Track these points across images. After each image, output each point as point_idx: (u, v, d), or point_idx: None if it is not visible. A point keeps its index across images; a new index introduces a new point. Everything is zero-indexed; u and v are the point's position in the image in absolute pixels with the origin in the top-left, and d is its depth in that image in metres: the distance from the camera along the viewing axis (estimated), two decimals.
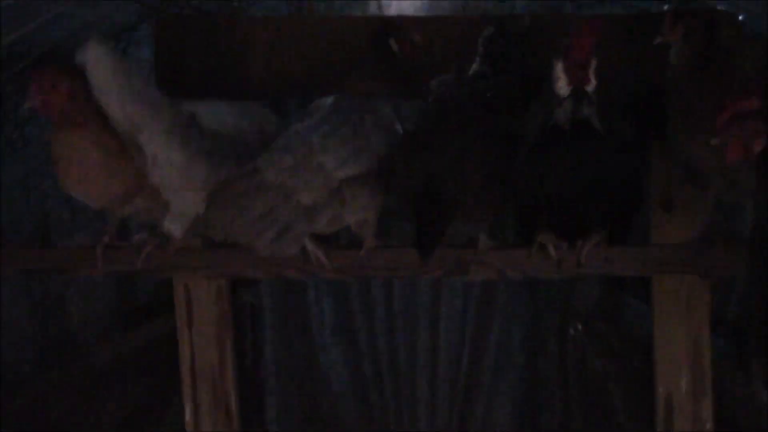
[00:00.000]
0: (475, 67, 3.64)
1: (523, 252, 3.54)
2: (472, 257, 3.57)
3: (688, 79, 3.18)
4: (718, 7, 3.99)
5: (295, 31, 4.19)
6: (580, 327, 5.34)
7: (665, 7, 4.29)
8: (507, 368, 5.50)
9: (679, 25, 3.12)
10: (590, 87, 3.09)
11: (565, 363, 5.50)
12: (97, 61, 3.19)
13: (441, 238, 3.27)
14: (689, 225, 3.82)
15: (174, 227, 3.51)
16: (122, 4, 4.06)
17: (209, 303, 4.28)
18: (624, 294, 5.18)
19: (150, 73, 3.60)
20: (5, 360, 4.24)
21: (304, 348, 5.40)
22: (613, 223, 3.45)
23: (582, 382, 5.43)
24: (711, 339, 4.06)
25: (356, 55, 3.79)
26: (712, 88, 3.10)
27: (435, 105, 3.50)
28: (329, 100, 3.48)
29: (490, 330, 5.30)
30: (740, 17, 4.00)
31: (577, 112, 3.08)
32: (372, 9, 4.65)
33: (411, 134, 3.39)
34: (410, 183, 3.24)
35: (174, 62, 4.18)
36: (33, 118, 4.22)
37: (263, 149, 3.26)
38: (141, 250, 3.69)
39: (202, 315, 4.27)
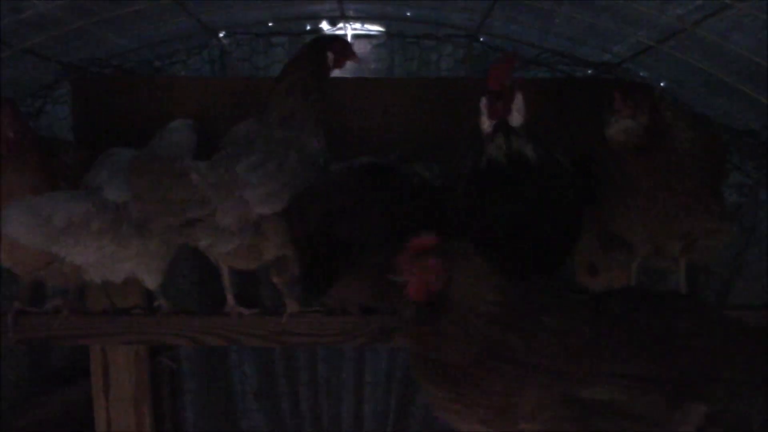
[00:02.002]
0: None
1: None
2: (395, 324, 3.51)
3: (630, 155, 3.15)
4: (642, 74, 4.06)
5: (219, 91, 4.19)
6: None
7: (589, 72, 4.37)
8: None
9: (629, 101, 3.09)
10: (516, 122, 3.11)
11: None
12: (14, 221, 3.13)
13: (332, 279, 3.15)
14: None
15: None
16: (41, 62, 3.96)
17: (127, 367, 4.20)
18: None
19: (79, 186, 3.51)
20: None
21: (226, 413, 5.25)
22: (547, 260, 3.39)
23: None
24: None
25: None
26: (656, 165, 3.13)
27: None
28: (249, 126, 3.45)
29: (416, 394, 5.23)
30: (661, 84, 4.09)
31: (510, 147, 3.10)
32: None
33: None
34: (306, 221, 3.19)
35: (93, 121, 4.14)
36: None
37: None
38: (56, 315, 3.59)
39: (119, 379, 4.19)
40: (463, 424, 2.71)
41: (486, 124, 3.12)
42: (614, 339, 2.60)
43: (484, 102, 3.12)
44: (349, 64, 3.73)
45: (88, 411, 4.25)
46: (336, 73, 3.70)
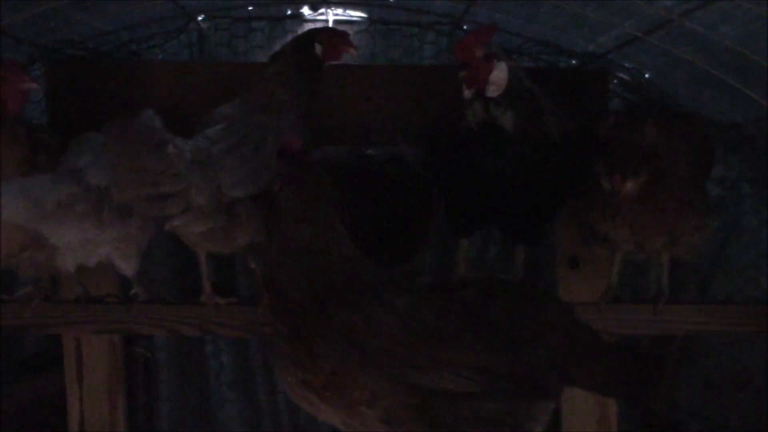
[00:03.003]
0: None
1: None
2: None
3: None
4: (627, 65, 4.01)
5: (196, 75, 4.12)
6: None
7: (573, 62, 4.32)
8: None
9: (630, 177, 3.06)
10: (491, 93, 3.16)
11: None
12: (8, 204, 3.12)
13: None
14: (595, 282, 3.79)
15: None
16: (13, 43, 3.87)
17: (100, 356, 4.12)
18: None
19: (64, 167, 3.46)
20: None
21: (201, 404, 5.20)
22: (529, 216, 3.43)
23: None
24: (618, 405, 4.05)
25: None
26: (647, 184, 3.11)
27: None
28: (229, 109, 3.40)
29: None
30: (646, 75, 4.05)
31: (486, 114, 3.16)
32: None
33: None
34: None
35: (68, 104, 4.06)
36: None
37: None
38: (28, 303, 3.54)
39: (93, 369, 4.10)
40: (295, 388, 2.65)
41: (466, 92, 3.19)
42: (463, 328, 2.56)
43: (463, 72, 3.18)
44: None
45: (61, 400, 4.17)
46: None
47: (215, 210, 3.14)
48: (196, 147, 3.10)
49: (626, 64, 4.07)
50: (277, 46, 4.15)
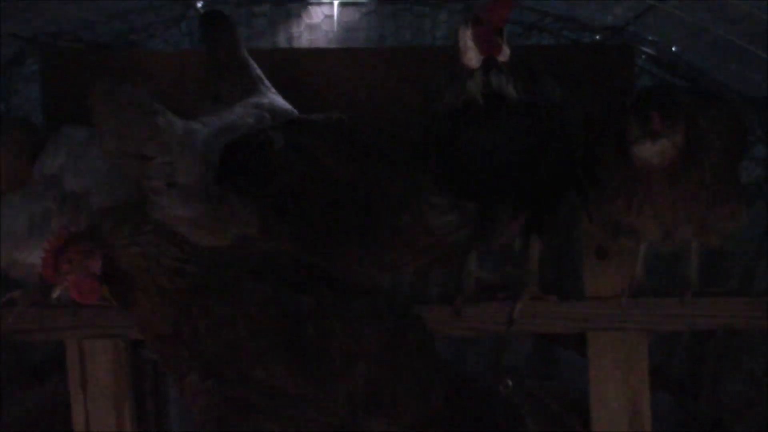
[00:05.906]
0: None
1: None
2: None
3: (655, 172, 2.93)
4: (650, 38, 3.78)
5: (196, 64, 3.92)
6: (510, 384, 5.03)
7: (597, 37, 4.13)
8: None
9: (668, 120, 2.81)
10: (503, 56, 2.96)
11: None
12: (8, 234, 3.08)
13: None
14: (623, 273, 3.57)
15: None
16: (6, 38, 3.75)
17: (105, 361, 3.93)
18: (558, 347, 4.90)
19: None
20: None
21: None
22: (540, 200, 3.24)
23: None
24: (651, 396, 3.78)
25: None
26: (681, 178, 2.94)
27: None
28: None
29: None
30: (673, 48, 3.83)
31: (486, 85, 2.96)
32: (281, 41, 4.35)
33: None
34: None
35: (64, 98, 3.90)
36: None
37: None
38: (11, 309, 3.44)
39: (98, 374, 3.92)
40: None
41: (474, 59, 2.96)
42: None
43: (472, 35, 2.95)
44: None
45: (68, 406, 4.04)
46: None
47: (203, 194, 3.01)
48: (189, 127, 2.99)
49: (650, 37, 3.82)
50: (281, 32, 4.03)
